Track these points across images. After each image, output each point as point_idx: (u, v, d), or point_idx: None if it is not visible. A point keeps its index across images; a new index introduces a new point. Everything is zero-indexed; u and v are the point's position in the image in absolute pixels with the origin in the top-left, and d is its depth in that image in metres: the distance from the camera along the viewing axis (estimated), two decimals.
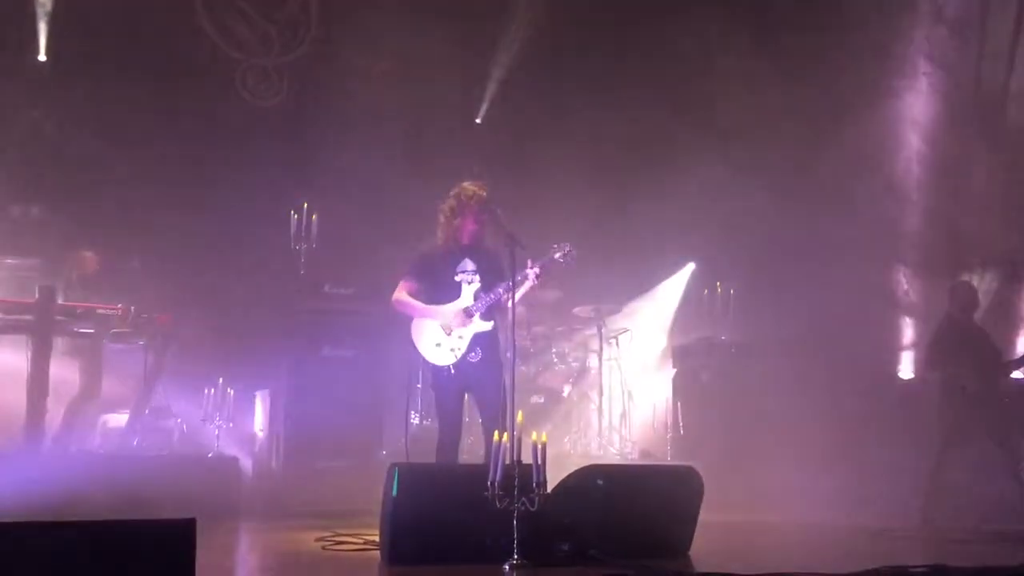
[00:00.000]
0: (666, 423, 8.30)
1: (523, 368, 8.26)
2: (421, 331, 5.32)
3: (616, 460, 8.10)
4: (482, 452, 5.30)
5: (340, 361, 7.64)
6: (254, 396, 8.16)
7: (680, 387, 8.77)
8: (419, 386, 7.74)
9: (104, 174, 8.50)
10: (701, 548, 4.62)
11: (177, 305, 7.39)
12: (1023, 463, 6.58)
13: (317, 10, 9.74)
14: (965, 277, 7.92)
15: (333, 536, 5.05)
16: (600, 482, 4.43)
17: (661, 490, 4.64)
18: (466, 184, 5.39)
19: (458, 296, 5.31)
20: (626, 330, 9.06)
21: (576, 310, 8.75)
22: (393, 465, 4.26)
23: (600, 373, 8.63)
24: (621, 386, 8.92)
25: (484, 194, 5.33)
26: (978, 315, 7.24)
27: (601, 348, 8.68)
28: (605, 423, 8.58)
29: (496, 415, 5.08)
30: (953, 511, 6.57)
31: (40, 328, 6.47)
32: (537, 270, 5.21)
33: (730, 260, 9.27)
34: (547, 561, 3.97)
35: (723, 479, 6.15)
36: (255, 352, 7.96)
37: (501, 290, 5.21)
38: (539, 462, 3.84)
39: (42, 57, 8.56)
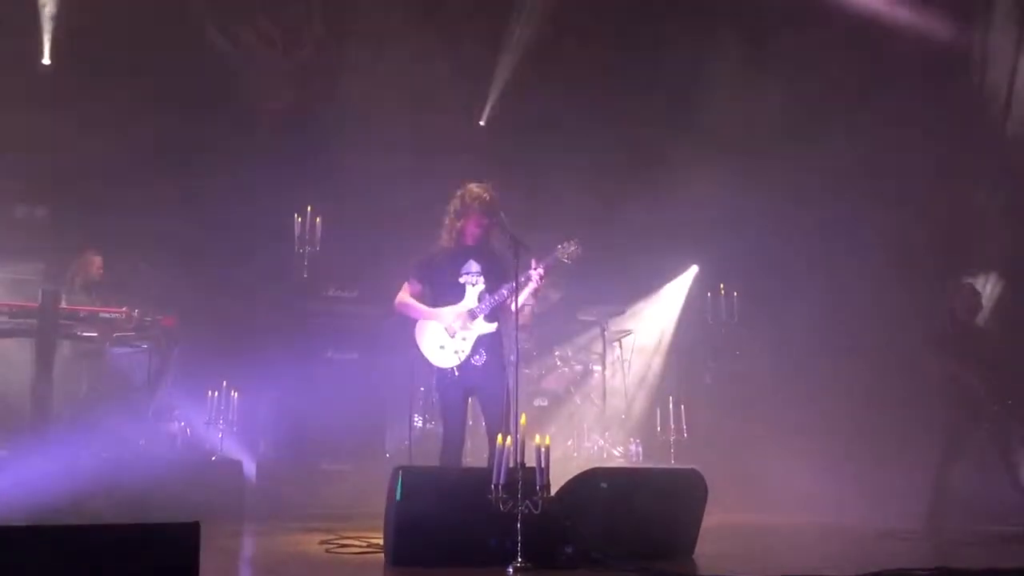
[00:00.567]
0: (669, 425, 8.29)
1: (526, 371, 8.26)
2: (425, 333, 5.32)
3: (619, 463, 8.10)
4: (486, 455, 5.32)
5: (344, 364, 7.66)
6: (258, 399, 8.16)
7: (683, 389, 8.77)
8: (422, 389, 7.77)
9: (108, 177, 8.51)
10: (705, 551, 4.62)
11: (181, 308, 7.40)
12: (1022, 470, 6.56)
13: (321, 13, 9.75)
14: (968, 280, 7.90)
15: (337, 539, 5.05)
16: (603, 485, 4.42)
17: (665, 493, 4.64)
18: (471, 185, 5.38)
19: (462, 297, 5.31)
20: (629, 332, 9.06)
21: (579, 313, 8.75)
22: (397, 468, 4.27)
23: (603, 376, 8.62)
24: (624, 388, 8.91)
25: (488, 196, 5.31)
26: (980, 318, 7.23)
27: (604, 351, 8.68)
28: (608, 426, 8.57)
29: (499, 418, 5.07)
30: (958, 513, 6.55)
31: (44, 332, 6.48)
32: (541, 270, 5.21)
33: (733, 262, 9.26)
34: (550, 564, 3.98)
35: (727, 482, 6.16)
36: (259, 355, 7.95)
37: (505, 292, 5.20)
38: (542, 465, 3.84)
39: (46, 61, 8.58)
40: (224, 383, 7.25)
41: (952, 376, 6.80)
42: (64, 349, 6.87)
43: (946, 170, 8.52)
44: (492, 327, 5.28)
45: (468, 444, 6.24)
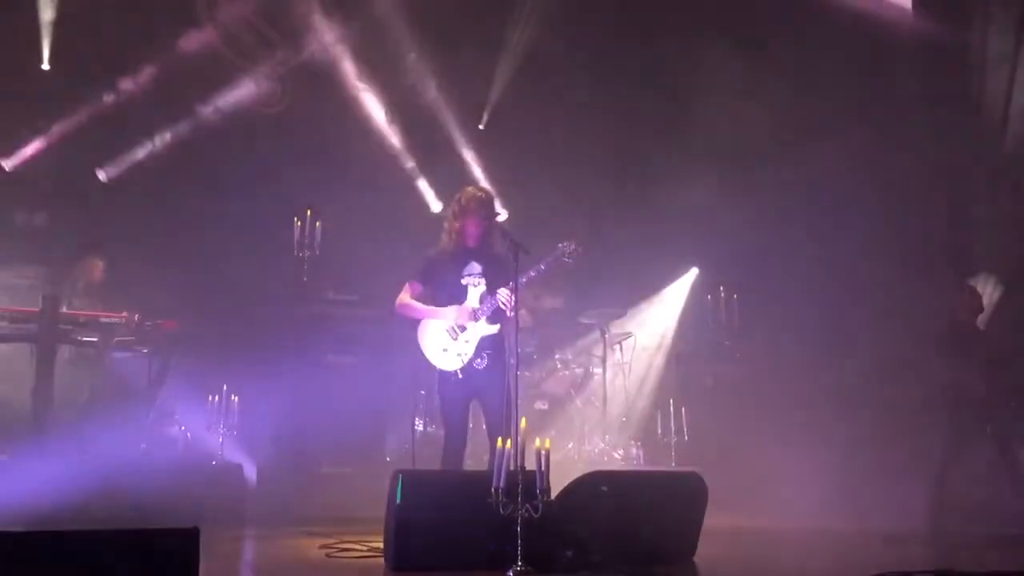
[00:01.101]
0: (670, 428, 8.28)
1: (527, 374, 8.25)
2: (427, 336, 5.32)
3: (620, 466, 8.08)
4: (486, 459, 5.32)
5: (344, 367, 7.65)
6: (258, 403, 8.15)
7: (684, 392, 8.76)
8: (423, 392, 7.76)
9: (108, 182, 8.52)
10: (706, 554, 4.61)
11: (182, 313, 7.40)
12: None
13: (321, 16, 9.75)
14: (971, 281, 7.90)
15: (337, 543, 5.04)
16: (604, 488, 4.42)
17: (665, 496, 4.64)
18: (468, 188, 5.49)
19: (464, 299, 5.32)
20: (630, 335, 9.06)
21: (580, 316, 8.75)
22: (397, 472, 4.27)
23: (604, 378, 8.62)
24: (625, 391, 8.90)
25: (483, 195, 5.39)
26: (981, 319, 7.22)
27: (605, 353, 8.67)
28: (609, 429, 8.57)
29: (500, 421, 5.06)
30: (959, 515, 6.54)
31: (44, 337, 6.48)
32: (542, 267, 5.21)
33: (734, 265, 9.27)
34: (551, 568, 3.97)
35: (728, 484, 6.14)
36: (259, 359, 7.96)
37: (502, 297, 5.20)
38: (543, 468, 3.83)
39: (45, 66, 8.58)
40: (224, 387, 7.24)
41: (954, 377, 6.79)
42: (64, 354, 6.87)
43: (945, 172, 8.52)
44: (494, 329, 5.28)
45: (468, 447, 6.25)
